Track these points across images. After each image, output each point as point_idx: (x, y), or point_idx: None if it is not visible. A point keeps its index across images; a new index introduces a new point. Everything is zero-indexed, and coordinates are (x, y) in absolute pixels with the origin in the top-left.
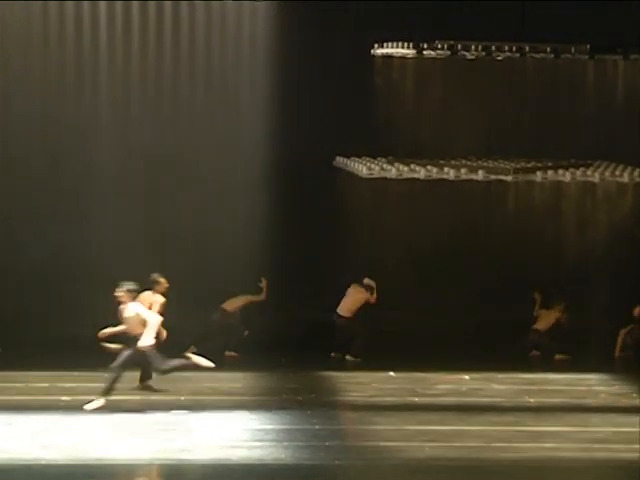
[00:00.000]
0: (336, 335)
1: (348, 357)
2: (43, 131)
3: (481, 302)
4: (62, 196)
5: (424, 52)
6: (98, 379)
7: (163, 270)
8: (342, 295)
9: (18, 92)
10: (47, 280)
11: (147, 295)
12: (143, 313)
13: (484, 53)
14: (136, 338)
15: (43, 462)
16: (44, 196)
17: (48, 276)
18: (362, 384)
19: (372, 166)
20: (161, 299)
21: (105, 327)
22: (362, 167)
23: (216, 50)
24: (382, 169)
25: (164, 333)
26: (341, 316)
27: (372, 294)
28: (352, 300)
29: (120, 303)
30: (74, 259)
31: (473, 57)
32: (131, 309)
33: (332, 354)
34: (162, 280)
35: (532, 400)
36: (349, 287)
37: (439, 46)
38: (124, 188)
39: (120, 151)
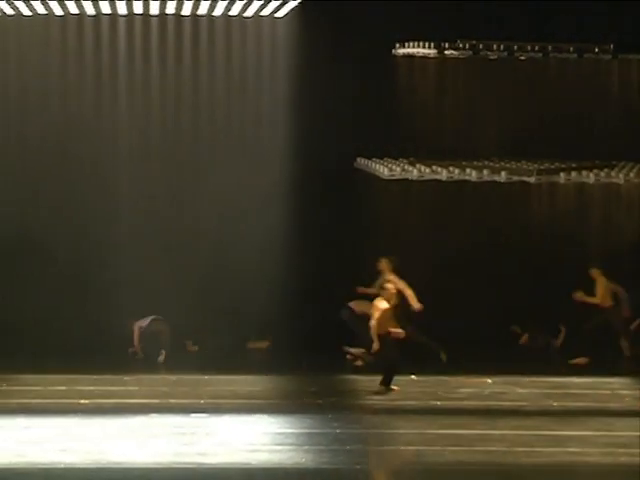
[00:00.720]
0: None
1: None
2: (62, 145)
3: (502, 304)
4: (81, 209)
5: (445, 52)
6: (116, 382)
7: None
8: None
9: (37, 108)
10: (67, 286)
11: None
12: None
13: (506, 53)
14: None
15: (62, 466)
16: (62, 206)
17: (68, 282)
18: (380, 387)
19: (393, 167)
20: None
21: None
22: (383, 168)
23: (236, 50)
24: (403, 170)
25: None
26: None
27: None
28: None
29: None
30: (92, 266)
31: (495, 57)
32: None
33: (348, 356)
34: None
35: (555, 404)
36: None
37: (461, 46)
38: (143, 196)
39: (140, 159)
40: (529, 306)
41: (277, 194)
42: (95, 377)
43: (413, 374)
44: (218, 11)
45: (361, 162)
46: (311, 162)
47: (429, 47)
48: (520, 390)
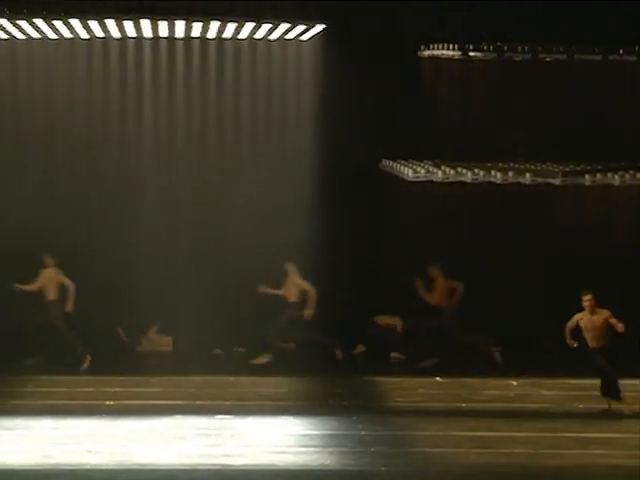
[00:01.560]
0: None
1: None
2: (89, 164)
3: (528, 306)
4: (107, 217)
5: (470, 54)
6: (142, 383)
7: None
8: (390, 297)
9: (62, 130)
10: (91, 288)
11: None
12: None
13: (530, 55)
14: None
15: (88, 467)
16: (88, 214)
17: (93, 284)
18: (408, 389)
19: (418, 169)
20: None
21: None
22: (408, 170)
23: (261, 62)
24: (428, 172)
25: None
26: None
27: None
28: None
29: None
30: (118, 269)
31: (520, 58)
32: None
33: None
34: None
35: (581, 406)
36: None
37: (485, 47)
38: (168, 203)
39: (166, 168)
40: (550, 306)
41: (303, 198)
42: (121, 378)
43: (438, 376)
44: (243, 34)
45: (386, 164)
46: (336, 166)
47: (454, 49)
48: (545, 392)
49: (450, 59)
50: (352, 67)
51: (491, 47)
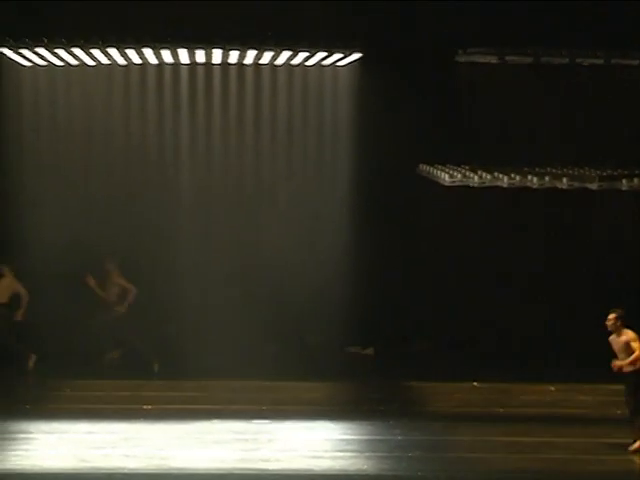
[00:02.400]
0: None
1: None
2: (126, 179)
3: (566, 312)
4: (146, 234)
5: (507, 58)
6: (179, 388)
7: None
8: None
9: (100, 154)
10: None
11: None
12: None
13: (568, 59)
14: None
15: (125, 471)
16: (129, 232)
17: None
18: (445, 394)
19: (454, 173)
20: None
21: None
22: (444, 174)
23: (297, 76)
24: (464, 176)
25: None
26: None
27: None
28: None
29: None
30: (157, 278)
31: (557, 63)
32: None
33: None
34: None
35: (619, 411)
36: None
37: (522, 52)
38: (206, 218)
39: (203, 187)
40: (592, 313)
41: (342, 205)
42: (158, 382)
43: (475, 381)
44: (280, 60)
45: (423, 168)
46: (374, 171)
47: (491, 54)
48: (583, 397)
49: (487, 64)
50: (388, 73)
51: (528, 52)
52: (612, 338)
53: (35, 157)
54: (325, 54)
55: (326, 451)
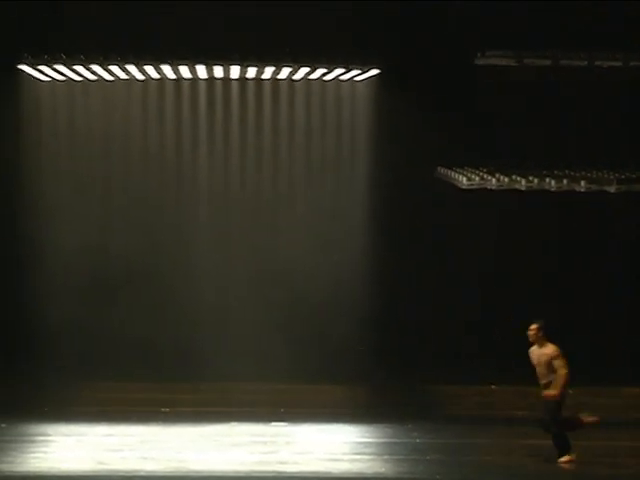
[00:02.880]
0: None
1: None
2: (144, 190)
3: (581, 313)
4: (166, 244)
5: (526, 61)
6: (196, 390)
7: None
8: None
9: (119, 161)
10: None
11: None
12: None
13: (586, 62)
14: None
15: (142, 473)
16: (151, 240)
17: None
18: (463, 397)
19: (472, 176)
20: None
21: None
22: (462, 177)
23: (315, 89)
24: (482, 179)
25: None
26: None
27: None
28: None
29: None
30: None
31: (576, 65)
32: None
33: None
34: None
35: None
36: None
37: (541, 54)
38: (227, 226)
39: (221, 202)
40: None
41: (359, 208)
42: (176, 385)
43: (493, 384)
44: (298, 75)
45: (441, 171)
46: (390, 174)
47: (509, 57)
48: (601, 400)
49: (505, 66)
50: (406, 84)
51: (546, 54)
52: (532, 350)
53: (54, 167)
54: (343, 70)
55: (344, 454)
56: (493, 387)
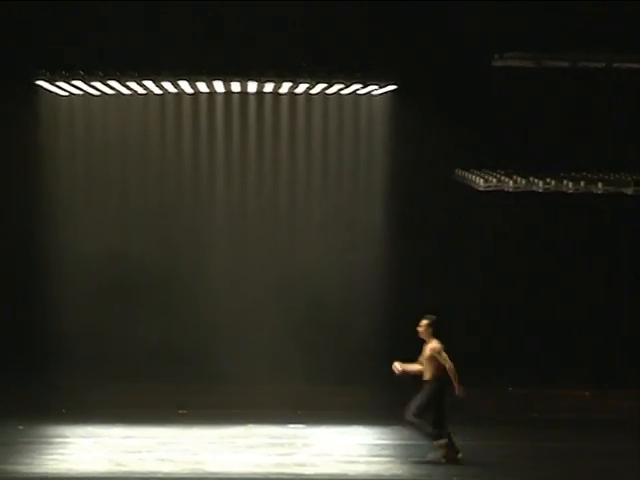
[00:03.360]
0: None
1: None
2: (161, 202)
3: (599, 316)
4: (182, 257)
5: (543, 63)
6: (214, 392)
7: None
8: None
9: (137, 169)
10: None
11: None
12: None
13: (604, 64)
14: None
15: (160, 475)
16: (170, 251)
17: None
18: (481, 399)
19: (489, 178)
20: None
21: None
22: (479, 179)
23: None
24: (499, 181)
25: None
26: None
27: None
28: None
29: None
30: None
31: (594, 67)
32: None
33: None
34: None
35: None
36: None
37: (559, 56)
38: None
39: (238, 221)
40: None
41: (377, 216)
42: (193, 387)
43: (510, 387)
44: (315, 90)
45: (459, 173)
46: (408, 180)
47: (528, 59)
48: (617, 403)
49: (524, 68)
50: (424, 93)
51: (565, 56)
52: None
53: (72, 175)
54: (360, 86)
55: (361, 456)
56: (510, 389)
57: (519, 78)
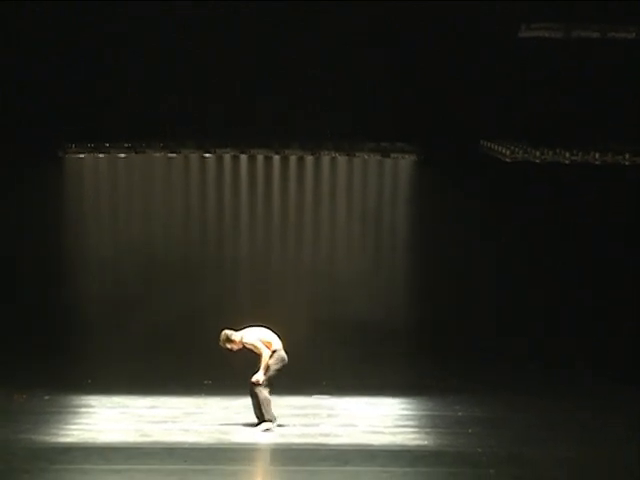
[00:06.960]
0: None
1: None
2: (184, 256)
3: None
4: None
5: (573, 33)
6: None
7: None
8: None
9: (160, 233)
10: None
11: None
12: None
13: (634, 34)
14: None
15: (185, 446)
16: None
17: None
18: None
19: (515, 149)
20: None
21: None
22: (506, 150)
23: None
24: (525, 152)
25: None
26: None
27: None
28: None
29: None
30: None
31: (625, 38)
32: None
33: None
34: None
35: None
36: None
37: (589, 27)
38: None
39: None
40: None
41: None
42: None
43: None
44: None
45: (484, 144)
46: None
47: (556, 29)
48: None
49: (552, 39)
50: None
51: (596, 27)
52: None
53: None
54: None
55: (386, 426)
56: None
57: (548, 48)
